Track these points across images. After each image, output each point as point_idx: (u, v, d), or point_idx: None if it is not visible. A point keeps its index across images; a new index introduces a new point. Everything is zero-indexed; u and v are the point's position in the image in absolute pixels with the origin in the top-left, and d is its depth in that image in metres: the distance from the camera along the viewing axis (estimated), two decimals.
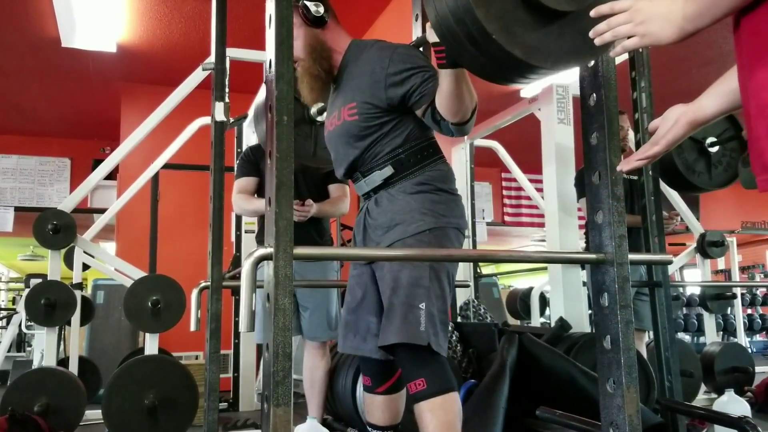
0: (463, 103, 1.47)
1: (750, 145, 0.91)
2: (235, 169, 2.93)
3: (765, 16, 0.85)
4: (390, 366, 1.79)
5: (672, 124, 1.12)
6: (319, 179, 2.71)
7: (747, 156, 2.86)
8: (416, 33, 2.12)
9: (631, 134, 3.09)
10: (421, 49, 1.92)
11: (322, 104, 2.33)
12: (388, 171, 1.70)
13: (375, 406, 1.83)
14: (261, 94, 2.48)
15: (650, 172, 2.62)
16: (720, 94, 1.09)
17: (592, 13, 1.06)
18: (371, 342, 1.74)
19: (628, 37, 1.01)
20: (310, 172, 2.64)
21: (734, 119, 2.91)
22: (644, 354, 2.64)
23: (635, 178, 2.97)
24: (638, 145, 2.63)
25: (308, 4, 1.74)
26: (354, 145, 1.73)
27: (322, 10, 1.75)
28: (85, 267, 4.00)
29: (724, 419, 2.17)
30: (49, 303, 3.00)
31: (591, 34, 1.06)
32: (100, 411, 2.75)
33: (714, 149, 2.81)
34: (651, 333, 2.76)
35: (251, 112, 3.94)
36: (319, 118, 2.38)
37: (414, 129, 1.70)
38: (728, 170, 2.86)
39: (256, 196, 2.72)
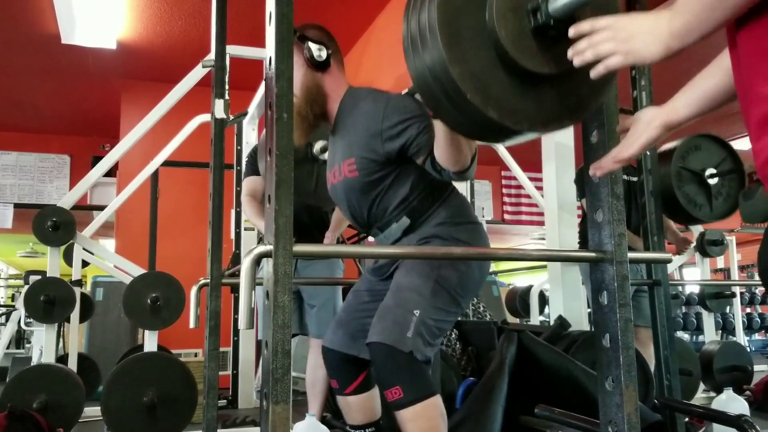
0: (461, 152, 1.43)
1: (755, 157, 0.88)
2: (243, 167, 2.95)
3: (761, 29, 0.82)
4: (353, 368, 1.79)
5: (645, 126, 1.09)
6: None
7: (747, 190, 2.86)
8: None
9: None
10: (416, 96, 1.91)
11: (325, 142, 2.34)
12: (405, 222, 1.69)
13: (349, 408, 1.84)
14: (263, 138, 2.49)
15: (650, 170, 2.62)
16: (693, 97, 1.06)
17: (571, 31, 1.00)
18: (361, 343, 1.72)
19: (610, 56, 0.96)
20: (317, 209, 2.66)
21: (731, 149, 2.89)
22: (652, 354, 2.63)
23: (635, 179, 2.96)
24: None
25: (312, 46, 1.72)
26: (360, 200, 1.72)
27: (324, 54, 1.73)
28: (85, 264, 4.00)
29: (723, 418, 2.18)
30: (48, 300, 3.00)
31: (570, 53, 1.00)
32: (99, 408, 2.75)
33: (713, 181, 2.79)
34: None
35: (252, 109, 3.94)
36: (321, 156, 2.39)
37: (418, 175, 1.67)
38: (728, 200, 2.84)
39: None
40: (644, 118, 1.10)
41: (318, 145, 2.38)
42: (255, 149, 2.86)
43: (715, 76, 1.04)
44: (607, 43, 0.95)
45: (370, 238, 1.92)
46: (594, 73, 0.98)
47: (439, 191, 1.71)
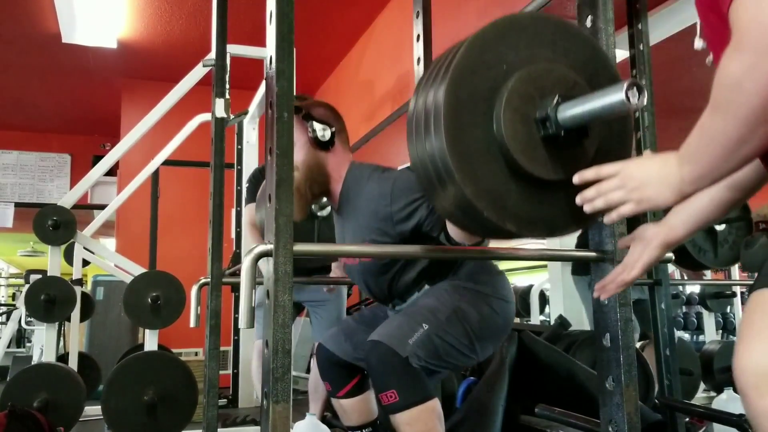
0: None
1: None
2: (245, 192, 2.96)
3: None
4: (346, 371, 1.79)
5: (645, 246, 1.09)
6: None
7: (750, 238, 2.85)
8: (417, 31, 2.12)
9: None
10: None
11: (325, 199, 2.35)
12: (426, 288, 1.69)
13: (344, 410, 1.84)
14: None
15: None
16: (689, 215, 1.06)
17: (575, 179, 0.99)
18: (361, 353, 1.72)
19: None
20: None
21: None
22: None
23: None
24: (638, 143, 2.63)
25: (317, 126, 1.70)
26: (378, 279, 1.71)
27: (329, 134, 1.71)
28: (85, 263, 4.00)
29: (723, 418, 2.18)
30: (48, 299, 3.00)
31: (578, 200, 0.99)
32: (99, 407, 2.74)
33: (721, 227, 2.77)
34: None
35: (252, 108, 3.94)
36: (320, 213, 2.38)
37: (433, 245, 1.64)
38: (734, 248, 2.80)
39: None
40: (644, 236, 1.10)
41: (316, 204, 2.37)
42: (257, 171, 2.87)
43: (708, 192, 1.03)
44: (616, 191, 0.93)
45: None
46: (608, 219, 0.97)
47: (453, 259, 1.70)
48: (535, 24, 1.07)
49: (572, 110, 1.01)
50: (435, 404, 1.54)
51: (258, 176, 2.82)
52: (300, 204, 1.69)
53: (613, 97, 0.95)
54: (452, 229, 1.43)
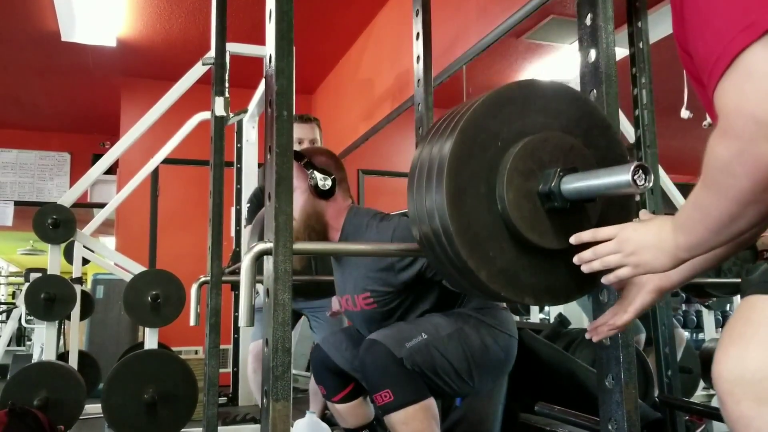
0: None
1: None
2: (246, 213, 2.95)
3: None
4: (340, 380, 1.79)
5: (638, 290, 1.09)
6: None
7: (752, 266, 2.84)
8: (416, 29, 2.11)
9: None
10: None
11: None
12: None
13: (340, 414, 1.84)
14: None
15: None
16: (685, 264, 1.05)
17: (572, 240, 1.00)
18: (358, 362, 1.71)
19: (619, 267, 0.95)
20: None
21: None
22: None
23: None
24: (638, 142, 2.63)
25: (318, 175, 1.69)
26: (381, 325, 1.70)
27: (329, 184, 1.70)
28: (85, 261, 4.01)
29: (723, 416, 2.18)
30: (48, 297, 3.00)
31: (576, 260, 0.99)
32: (99, 405, 2.75)
33: None
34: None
35: (252, 106, 3.94)
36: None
37: (436, 289, 1.65)
38: (737, 279, 2.80)
39: None
40: (638, 280, 1.09)
41: None
42: (258, 190, 2.86)
43: None
44: (613, 255, 0.95)
45: None
46: (605, 280, 0.98)
47: (458, 294, 1.69)
48: (522, 93, 1.05)
49: (576, 184, 1.00)
50: (430, 403, 1.54)
51: (259, 194, 2.80)
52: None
53: (619, 178, 0.94)
54: None
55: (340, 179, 1.75)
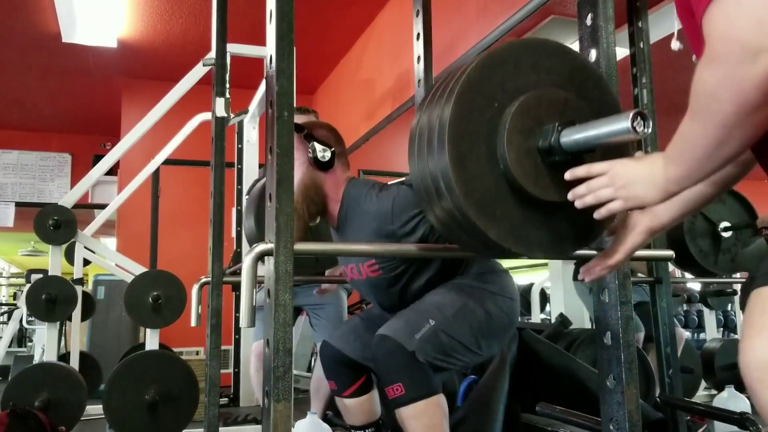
0: None
1: None
2: (243, 207, 2.96)
3: None
4: (352, 371, 1.79)
5: (629, 232, 1.11)
6: None
7: (749, 240, 2.86)
8: (417, 29, 2.12)
9: None
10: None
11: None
12: None
13: (348, 410, 1.84)
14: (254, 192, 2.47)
15: None
16: (673, 203, 1.08)
17: (567, 175, 1.02)
18: (369, 353, 1.72)
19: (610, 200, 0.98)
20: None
21: (751, 207, 2.85)
22: None
23: None
24: (638, 142, 2.63)
25: (317, 146, 1.70)
26: (388, 292, 1.73)
27: (328, 155, 1.72)
28: (86, 262, 4.00)
29: (725, 415, 2.18)
30: (50, 298, 3.00)
31: (570, 196, 1.02)
32: (100, 406, 2.75)
33: (727, 234, 2.75)
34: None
35: (252, 107, 3.94)
36: (310, 223, 2.39)
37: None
38: (734, 263, 2.78)
39: None
40: (629, 223, 1.12)
41: None
42: (256, 185, 2.86)
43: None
44: (605, 189, 0.98)
45: None
46: (597, 215, 1.01)
47: (462, 259, 1.72)
48: (513, 53, 1.07)
49: (576, 136, 1.02)
50: (440, 399, 1.56)
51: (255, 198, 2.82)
52: (298, 224, 1.70)
53: (619, 126, 0.96)
54: None
55: (339, 152, 1.77)
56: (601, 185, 0.98)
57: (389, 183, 1.77)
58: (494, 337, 1.68)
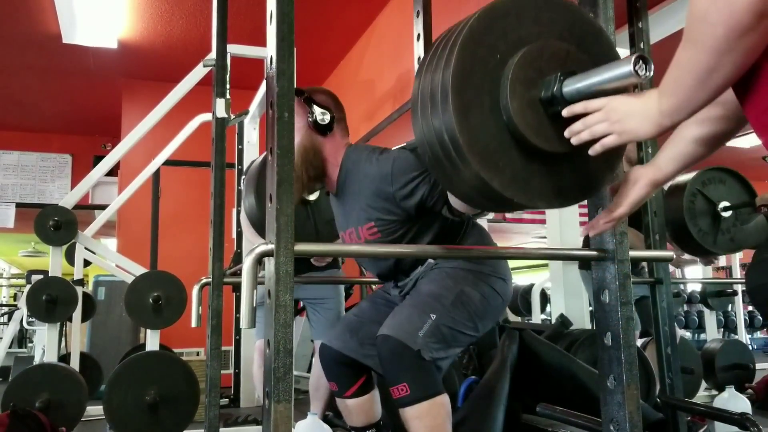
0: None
1: None
2: (242, 186, 2.96)
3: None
4: (353, 370, 1.79)
5: (632, 185, 1.13)
6: None
7: (748, 217, 2.87)
8: (417, 30, 2.12)
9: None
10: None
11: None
12: (430, 263, 1.71)
13: (349, 411, 1.84)
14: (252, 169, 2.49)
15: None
16: (675, 154, 1.10)
17: (565, 112, 1.04)
18: (368, 349, 1.73)
19: (605, 136, 1.00)
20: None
21: (750, 187, 2.86)
22: None
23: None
24: (639, 142, 2.63)
25: (317, 109, 1.71)
26: (386, 258, 1.73)
27: (328, 119, 1.73)
28: (87, 263, 4.00)
29: (725, 416, 2.18)
30: (50, 299, 3.00)
31: (566, 133, 1.04)
32: (101, 407, 2.75)
33: (726, 214, 2.77)
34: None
35: (253, 108, 3.94)
36: (310, 197, 2.39)
37: (437, 221, 1.69)
38: (733, 242, 2.80)
39: None
40: (631, 177, 1.14)
41: None
42: (252, 168, 2.86)
43: (695, 131, 1.07)
44: (600, 124, 0.99)
45: None
46: (592, 151, 1.03)
47: (459, 227, 1.73)
48: (515, 5, 1.08)
49: (578, 85, 1.04)
50: (444, 399, 1.56)
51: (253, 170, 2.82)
52: (296, 187, 1.70)
53: (621, 70, 0.98)
54: (455, 202, 1.47)
55: (339, 118, 1.77)
56: (596, 120, 1.00)
57: (390, 149, 1.77)
58: (489, 317, 1.71)
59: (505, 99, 1.04)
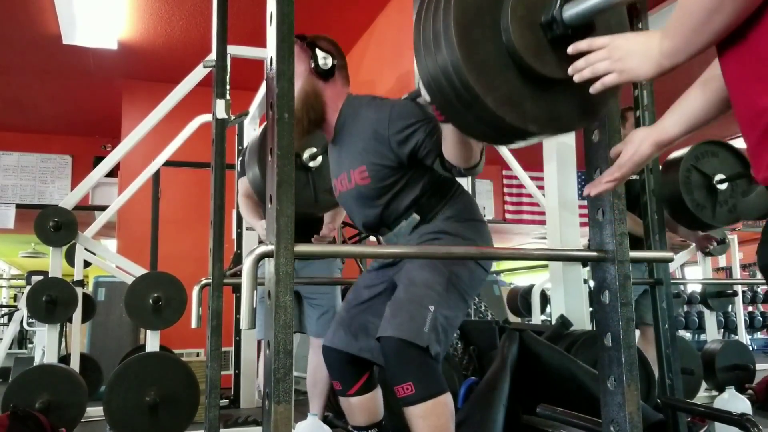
0: (470, 149, 1.46)
1: (756, 171, 0.92)
2: (238, 166, 2.94)
3: (745, 50, 0.86)
4: (356, 368, 1.79)
5: (637, 146, 1.13)
6: None
7: (748, 188, 2.88)
8: None
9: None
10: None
11: (315, 149, 2.35)
12: (415, 219, 1.71)
13: (352, 409, 1.83)
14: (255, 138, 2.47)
15: (650, 169, 2.62)
16: (682, 116, 1.10)
17: (570, 49, 1.05)
18: (363, 341, 1.74)
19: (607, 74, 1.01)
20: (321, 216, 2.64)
21: (744, 158, 2.87)
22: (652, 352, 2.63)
23: (636, 177, 2.96)
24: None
25: (319, 53, 1.72)
26: (372, 204, 1.73)
27: (330, 63, 1.74)
28: (87, 264, 4.00)
29: (725, 417, 2.18)
30: (50, 300, 3.00)
31: (570, 70, 1.06)
32: (101, 408, 2.75)
33: (722, 186, 2.79)
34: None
35: (253, 109, 3.94)
36: (311, 164, 2.39)
37: (428, 176, 1.70)
38: (732, 213, 2.82)
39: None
40: (635, 138, 1.14)
41: (306, 154, 2.38)
42: (253, 141, 2.85)
43: (701, 92, 1.08)
44: (603, 62, 1.01)
45: (371, 238, 1.91)
46: (592, 89, 1.04)
47: (447, 188, 1.74)
48: None
49: (577, 8, 1.06)
50: (448, 398, 1.57)
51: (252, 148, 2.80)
52: (296, 129, 1.72)
53: None
54: (447, 151, 1.49)
55: (340, 65, 1.80)
56: (599, 58, 1.01)
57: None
58: (476, 289, 1.76)
59: (505, 20, 1.07)
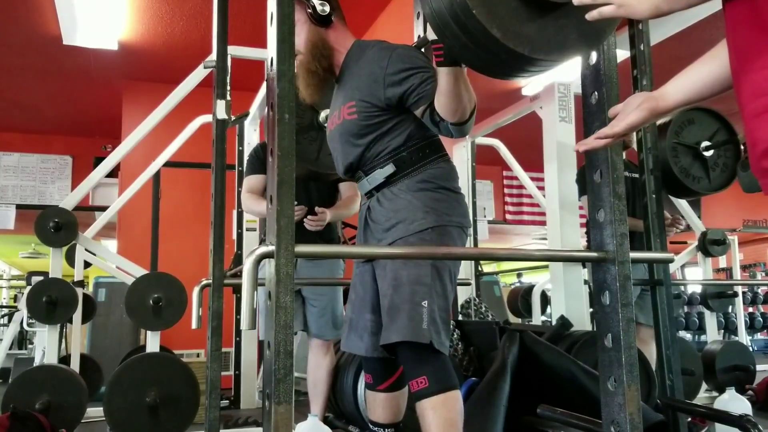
0: (461, 102, 1.47)
1: (749, 150, 0.91)
2: (245, 166, 2.95)
3: (745, 8, 0.86)
4: (391, 364, 1.80)
5: (633, 108, 1.13)
6: (330, 183, 2.71)
7: (745, 159, 2.88)
8: (417, 31, 2.12)
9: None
10: (423, 50, 1.92)
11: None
12: (390, 169, 1.70)
13: (377, 404, 1.83)
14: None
15: (651, 170, 2.62)
16: (685, 84, 1.10)
17: None
18: (367, 340, 1.75)
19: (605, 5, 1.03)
20: (321, 178, 2.64)
21: (725, 121, 2.90)
22: (653, 353, 2.63)
23: (636, 176, 2.96)
24: (639, 144, 2.63)
25: (315, 2, 1.74)
26: (354, 143, 1.74)
27: (328, 9, 1.76)
28: (87, 265, 4.00)
29: (725, 417, 2.18)
30: (50, 300, 3.00)
31: None
32: (101, 408, 2.75)
33: (709, 153, 2.81)
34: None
35: (253, 109, 3.94)
36: (326, 125, 2.39)
37: (415, 128, 1.70)
38: (725, 171, 2.85)
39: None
40: (633, 101, 1.14)
41: (324, 114, 2.38)
42: (258, 146, 2.85)
43: (709, 64, 1.08)
44: None
45: None
46: (589, 16, 1.05)
47: (432, 151, 1.73)
48: None
49: None
50: (458, 394, 1.61)
51: (259, 150, 2.80)
52: (314, 82, 1.76)
53: None
54: (439, 101, 1.50)
55: (335, 7, 1.82)
56: None
57: None
58: (458, 268, 1.78)
59: None
